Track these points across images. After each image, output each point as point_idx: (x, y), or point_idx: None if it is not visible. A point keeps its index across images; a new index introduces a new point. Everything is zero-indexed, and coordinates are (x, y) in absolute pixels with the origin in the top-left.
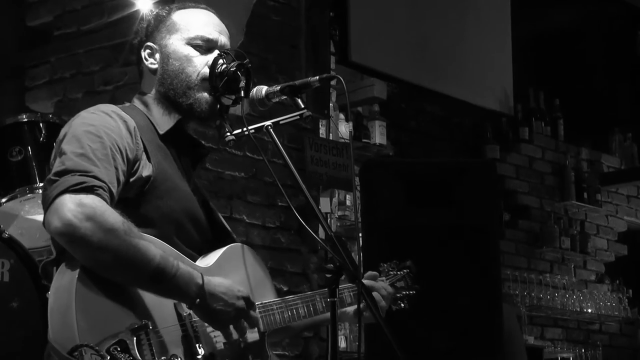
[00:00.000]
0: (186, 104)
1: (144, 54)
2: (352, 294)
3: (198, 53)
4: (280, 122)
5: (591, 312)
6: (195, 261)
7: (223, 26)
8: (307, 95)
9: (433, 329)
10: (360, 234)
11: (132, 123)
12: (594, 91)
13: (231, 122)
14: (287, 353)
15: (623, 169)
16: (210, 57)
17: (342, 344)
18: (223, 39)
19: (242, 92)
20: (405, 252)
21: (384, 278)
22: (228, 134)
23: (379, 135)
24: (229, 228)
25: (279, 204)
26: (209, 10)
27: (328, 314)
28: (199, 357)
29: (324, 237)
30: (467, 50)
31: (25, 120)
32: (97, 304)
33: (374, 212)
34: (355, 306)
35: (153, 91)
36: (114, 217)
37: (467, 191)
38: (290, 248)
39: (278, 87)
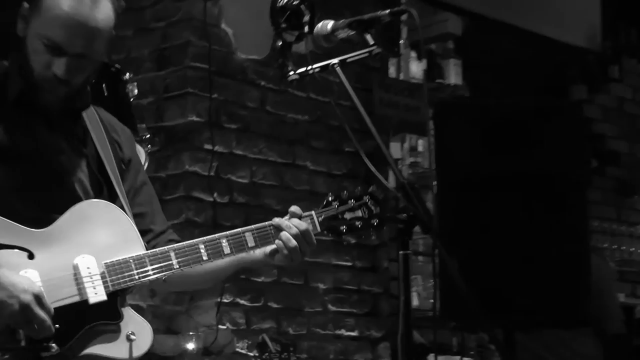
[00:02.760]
0: (30, 89)
1: (20, 13)
2: (256, 237)
3: (45, 51)
4: (348, 60)
5: None
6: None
7: (92, 27)
8: (376, 31)
9: (514, 285)
10: (435, 182)
11: None
12: None
13: (294, 61)
14: (354, 310)
15: None
16: (56, 63)
17: (414, 301)
18: (81, 44)
19: (306, 27)
20: (483, 201)
21: (312, 213)
22: (291, 73)
23: (453, 74)
24: (114, 183)
25: (346, 149)
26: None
27: (222, 261)
28: (20, 339)
29: (395, 185)
30: None
31: None
32: None
33: (448, 158)
34: (265, 249)
35: (15, 56)
36: None
37: (551, 135)
38: None
39: (345, 22)
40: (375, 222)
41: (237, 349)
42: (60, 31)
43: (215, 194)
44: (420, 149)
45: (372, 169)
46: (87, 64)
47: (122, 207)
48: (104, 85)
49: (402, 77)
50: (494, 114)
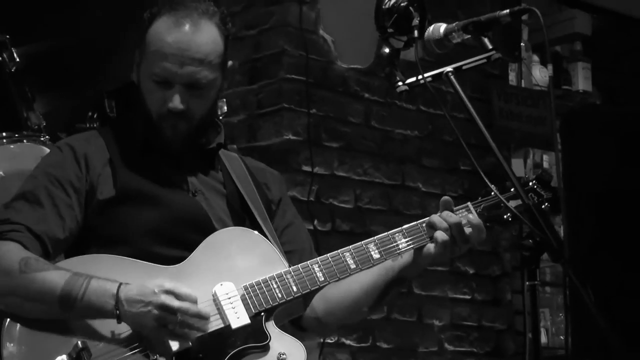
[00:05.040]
0: (152, 133)
1: (134, 60)
2: (407, 239)
3: (157, 88)
4: (463, 68)
5: None
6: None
7: (194, 52)
8: (494, 34)
9: None
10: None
11: (82, 150)
12: None
13: (402, 69)
14: (475, 350)
15: None
16: (168, 97)
17: (542, 338)
18: (188, 71)
19: (416, 31)
20: (620, 223)
21: (468, 204)
22: (399, 83)
23: (582, 80)
24: (258, 220)
25: (462, 167)
26: (185, 28)
27: (370, 275)
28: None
29: (519, 207)
30: None
31: None
32: (26, 343)
33: (579, 175)
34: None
35: (137, 103)
36: (9, 259)
37: None
38: None
39: (459, 25)
40: (546, 207)
41: None
42: (164, 64)
43: (315, 221)
44: (545, 165)
45: (492, 189)
46: (200, 93)
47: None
48: None
49: (524, 84)
50: (631, 124)
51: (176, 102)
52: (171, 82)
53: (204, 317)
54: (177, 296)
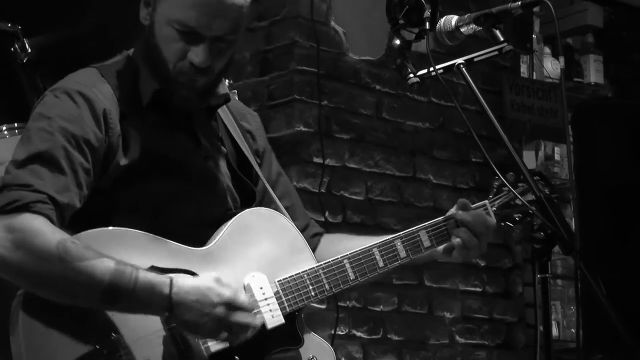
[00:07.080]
0: (165, 88)
1: None
2: (431, 236)
3: (179, 38)
4: (475, 60)
5: None
6: (208, 236)
7: (229, 4)
8: (505, 26)
9: None
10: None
11: (101, 105)
12: None
13: (413, 61)
14: (486, 342)
15: None
16: (193, 50)
17: (553, 331)
18: (219, 24)
19: (427, 23)
20: (632, 215)
21: (486, 203)
22: (411, 75)
23: (594, 72)
24: (268, 187)
25: (473, 159)
26: None
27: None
28: None
29: (530, 199)
30: None
31: None
32: (48, 334)
33: (591, 167)
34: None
35: (142, 47)
36: (45, 240)
37: None
38: None
39: (471, 17)
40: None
41: None
42: (193, 13)
43: (326, 213)
44: (557, 157)
45: (504, 181)
46: (226, 47)
47: (276, 208)
48: None
49: (535, 76)
50: None
51: (202, 58)
52: (201, 35)
53: (254, 327)
54: (235, 307)
